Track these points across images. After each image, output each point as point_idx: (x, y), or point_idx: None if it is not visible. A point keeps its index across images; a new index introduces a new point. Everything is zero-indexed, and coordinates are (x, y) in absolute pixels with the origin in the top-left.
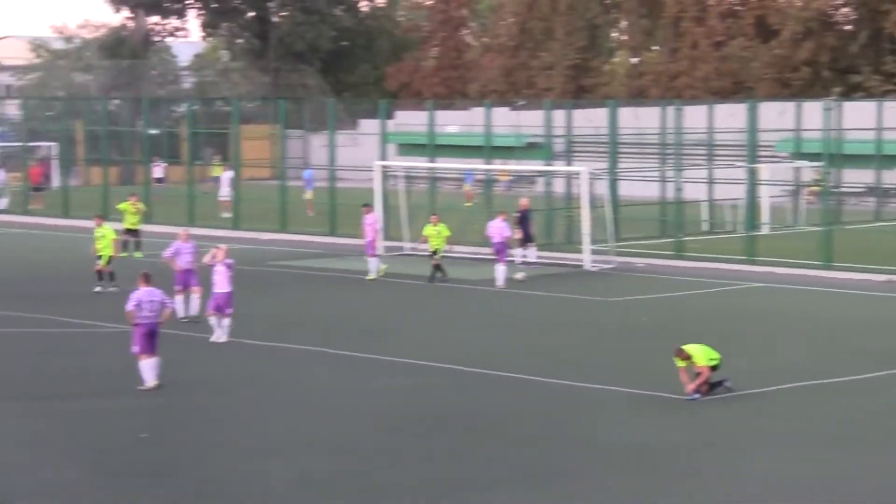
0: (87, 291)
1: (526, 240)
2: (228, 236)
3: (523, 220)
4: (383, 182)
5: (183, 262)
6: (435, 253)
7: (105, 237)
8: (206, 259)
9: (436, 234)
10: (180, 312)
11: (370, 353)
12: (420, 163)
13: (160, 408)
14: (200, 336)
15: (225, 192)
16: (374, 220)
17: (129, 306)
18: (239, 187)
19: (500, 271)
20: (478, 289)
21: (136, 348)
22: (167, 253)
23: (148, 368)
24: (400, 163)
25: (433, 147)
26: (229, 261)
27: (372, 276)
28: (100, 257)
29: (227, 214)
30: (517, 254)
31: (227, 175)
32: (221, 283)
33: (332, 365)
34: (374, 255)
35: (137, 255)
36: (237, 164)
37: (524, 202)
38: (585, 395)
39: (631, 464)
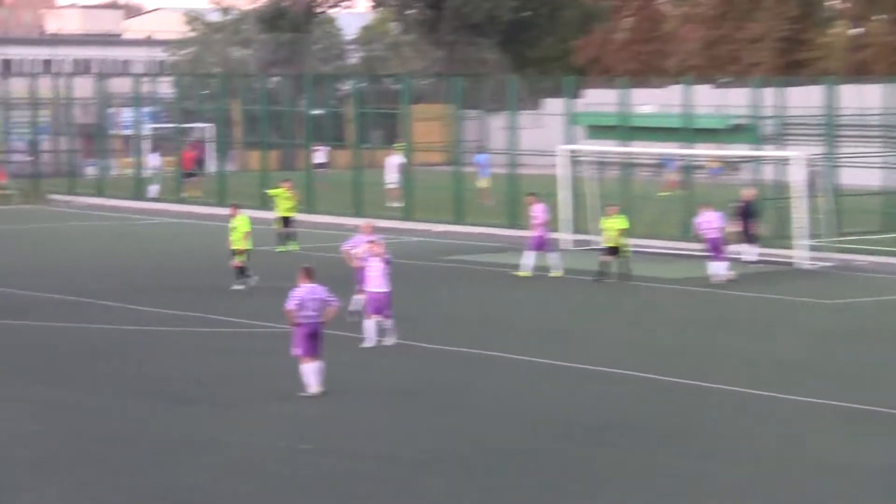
0: (251, 287)
1: (746, 235)
2: (398, 228)
3: (746, 213)
4: (570, 168)
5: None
6: (615, 250)
7: (237, 229)
8: (359, 253)
9: (613, 226)
10: (357, 305)
11: (546, 358)
12: (611, 147)
13: (323, 416)
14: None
15: (393, 178)
16: (541, 210)
17: (290, 305)
18: (409, 174)
19: (717, 268)
20: (674, 288)
21: (297, 350)
22: (346, 246)
23: (311, 373)
24: (588, 147)
25: (626, 129)
26: (387, 256)
27: (557, 272)
28: (235, 252)
29: (395, 203)
30: (734, 250)
31: (394, 160)
32: (378, 281)
33: (505, 370)
34: (546, 250)
35: (293, 246)
36: (408, 147)
37: (749, 193)
38: (795, 410)
39: (858, 491)
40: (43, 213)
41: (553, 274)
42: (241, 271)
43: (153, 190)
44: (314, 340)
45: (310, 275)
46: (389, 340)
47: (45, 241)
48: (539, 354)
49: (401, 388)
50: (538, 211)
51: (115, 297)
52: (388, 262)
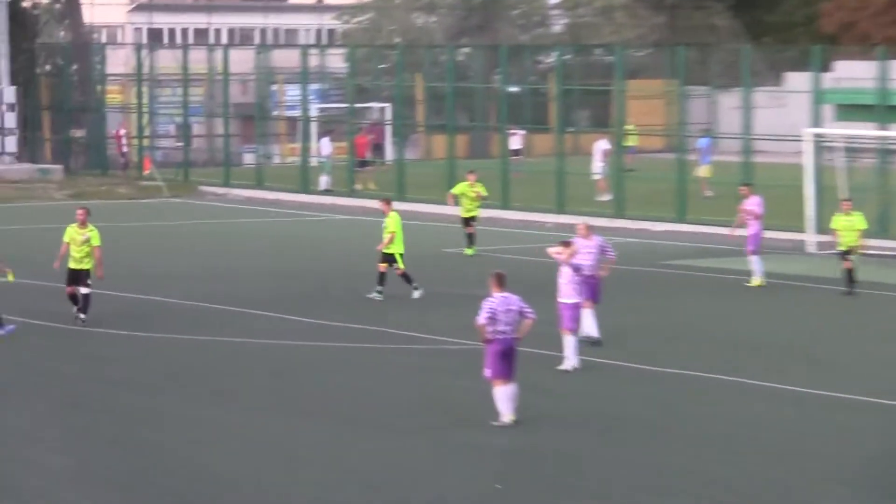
0: (426, 296)
1: None
2: (608, 226)
3: None
4: (816, 155)
5: (584, 266)
6: (847, 253)
7: (386, 228)
8: (552, 252)
9: (848, 226)
10: (591, 331)
11: (789, 384)
12: (866, 130)
13: (519, 450)
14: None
15: (599, 168)
16: (758, 203)
17: (481, 318)
18: (619, 162)
19: None
20: None
21: (488, 371)
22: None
23: (504, 398)
24: (839, 130)
25: (885, 109)
26: (577, 262)
27: (757, 280)
28: (389, 256)
29: (604, 197)
30: None
31: (602, 146)
32: (566, 290)
33: (737, 396)
34: (756, 253)
35: (468, 251)
36: (620, 130)
37: None
38: None
39: None
40: (193, 208)
41: (753, 282)
42: (406, 278)
43: (324, 181)
44: (508, 360)
45: (502, 282)
46: (571, 361)
47: (196, 240)
48: (779, 379)
49: (610, 416)
50: (754, 204)
51: (277, 307)
52: (577, 270)
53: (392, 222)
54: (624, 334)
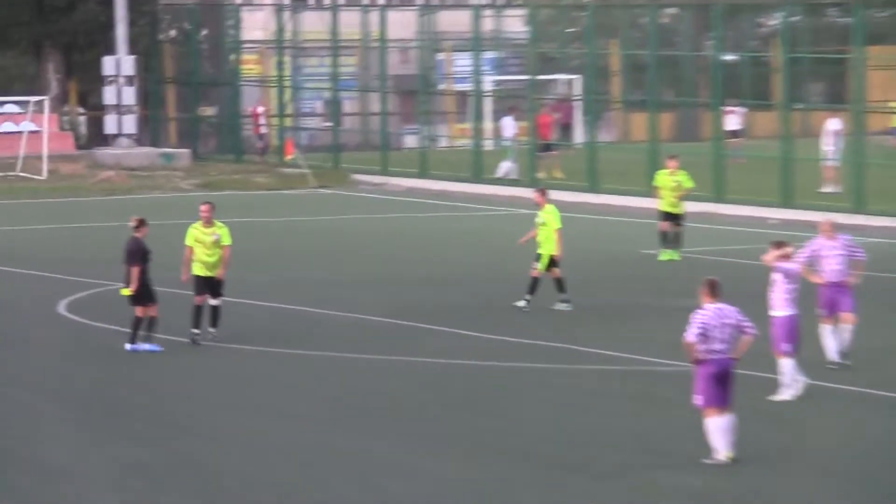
0: (621, 309)
1: None
2: (846, 224)
3: None
4: None
5: (828, 271)
6: None
7: (547, 225)
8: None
9: None
10: (830, 351)
11: None
12: None
13: (740, 494)
14: (812, 383)
15: (831, 152)
16: None
17: (691, 334)
18: (862, 145)
19: None
20: None
21: (700, 398)
22: (800, 256)
23: (719, 430)
24: None
25: None
26: (791, 266)
27: None
28: (538, 256)
29: (828, 188)
30: None
31: (832, 126)
32: (777, 300)
33: None
34: None
35: (666, 255)
36: (859, 107)
37: None
38: None
39: None
40: (345, 201)
41: None
42: (559, 284)
43: (504, 168)
44: (724, 385)
45: (716, 291)
46: (795, 386)
47: (346, 239)
48: None
49: (850, 454)
50: None
51: (444, 320)
52: (789, 275)
53: (552, 217)
54: (870, 354)
